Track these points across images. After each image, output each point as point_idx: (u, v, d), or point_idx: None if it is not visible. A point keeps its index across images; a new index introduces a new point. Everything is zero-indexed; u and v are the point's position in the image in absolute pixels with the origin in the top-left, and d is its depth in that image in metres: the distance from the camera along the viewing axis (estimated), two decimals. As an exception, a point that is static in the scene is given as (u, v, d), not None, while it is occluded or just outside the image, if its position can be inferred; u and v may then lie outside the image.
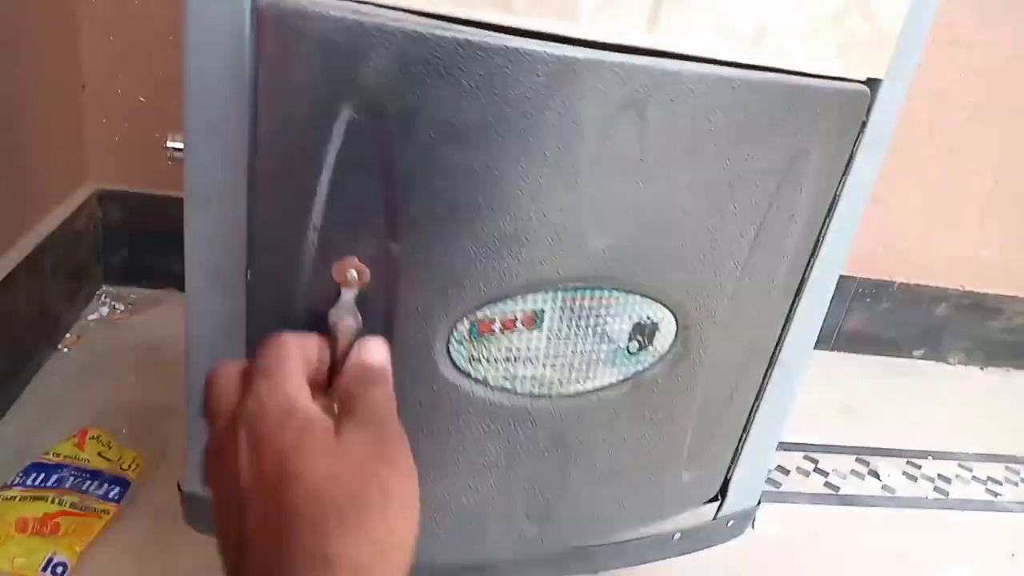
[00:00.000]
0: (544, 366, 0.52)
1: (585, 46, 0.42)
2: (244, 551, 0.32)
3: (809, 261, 0.60)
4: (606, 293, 0.51)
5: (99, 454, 0.78)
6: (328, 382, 0.40)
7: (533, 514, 0.59)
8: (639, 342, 0.55)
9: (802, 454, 1.11)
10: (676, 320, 0.55)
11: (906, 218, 1.34)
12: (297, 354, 0.37)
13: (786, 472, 1.06)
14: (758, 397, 0.66)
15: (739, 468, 0.69)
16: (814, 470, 1.08)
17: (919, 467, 1.14)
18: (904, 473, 1.12)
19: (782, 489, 1.03)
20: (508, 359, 0.51)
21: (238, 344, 0.52)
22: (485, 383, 0.51)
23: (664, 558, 0.72)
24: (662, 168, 0.47)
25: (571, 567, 0.68)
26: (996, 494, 1.11)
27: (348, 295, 0.42)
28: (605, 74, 0.42)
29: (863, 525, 1.00)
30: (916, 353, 1.47)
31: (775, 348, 0.65)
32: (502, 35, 0.40)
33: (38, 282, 0.91)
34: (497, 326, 0.49)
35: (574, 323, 0.52)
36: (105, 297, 1.10)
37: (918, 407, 1.31)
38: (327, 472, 0.32)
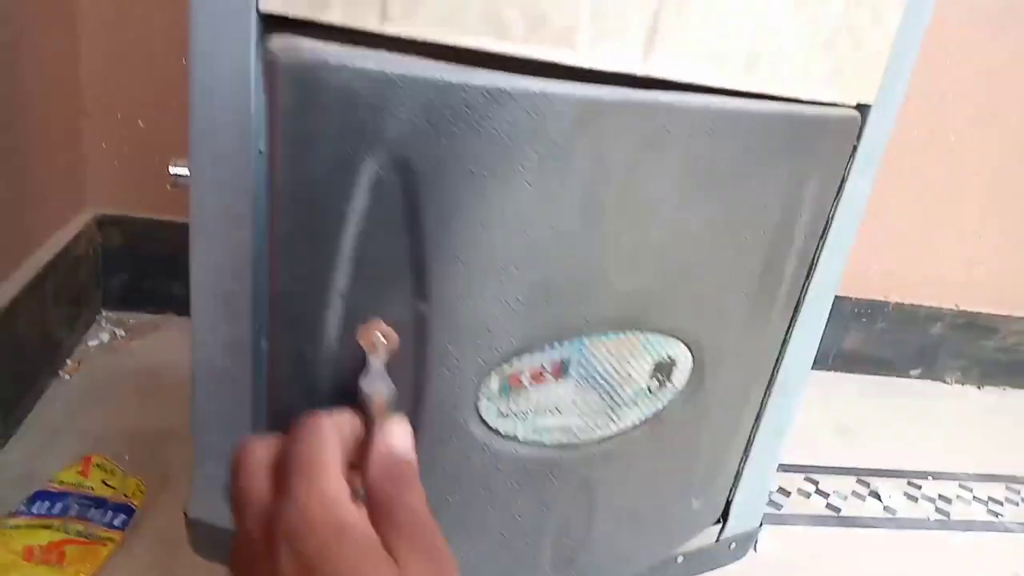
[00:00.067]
0: (572, 415, 0.51)
1: (585, 76, 0.43)
2: None
3: (805, 283, 0.61)
4: (629, 335, 0.50)
5: (103, 481, 0.78)
6: (359, 454, 0.37)
7: (558, 562, 0.58)
8: (659, 380, 0.54)
9: (803, 476, 1.11)
10: (692, 355, 0.54)
11: (899, 239, 1.35)
12: (335, 442, 0.34)
13: (787, 494, 1.06)
14: (757, 419, 0.67)
15: (740, 491, 0.70)
16: (815, 492, 1.08)
17: (919, 488, 1.14)
18: (905, 494, 1.12)
19: (783, 511, 1.03)
20: (537, 411, 0.49)
21: (243, 370, 0.52)
22: (515, 439, 0.49)
23: (667, 581, 0.72)
24: (681, 205, 0.46)
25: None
26: (997, 514, 1.11)
27: (376, 361, 0.40)
28: (629, 113, 0.41)
29: (865, 547, 1.00)
30: (913, 372, 1.47)
31: (773, 370, 0.65)
32: (530, 78, 0.39)
33: (39, 308, 0.91)
34: (526, 379, 0.48)
35: (599, 368, 0.50)
36: (105, 322, 1.11)
37: (916, 427, 1.31)
38: None
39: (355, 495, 0.33)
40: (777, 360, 0.65)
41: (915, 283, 1.40)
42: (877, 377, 1.44)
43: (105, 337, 1.08)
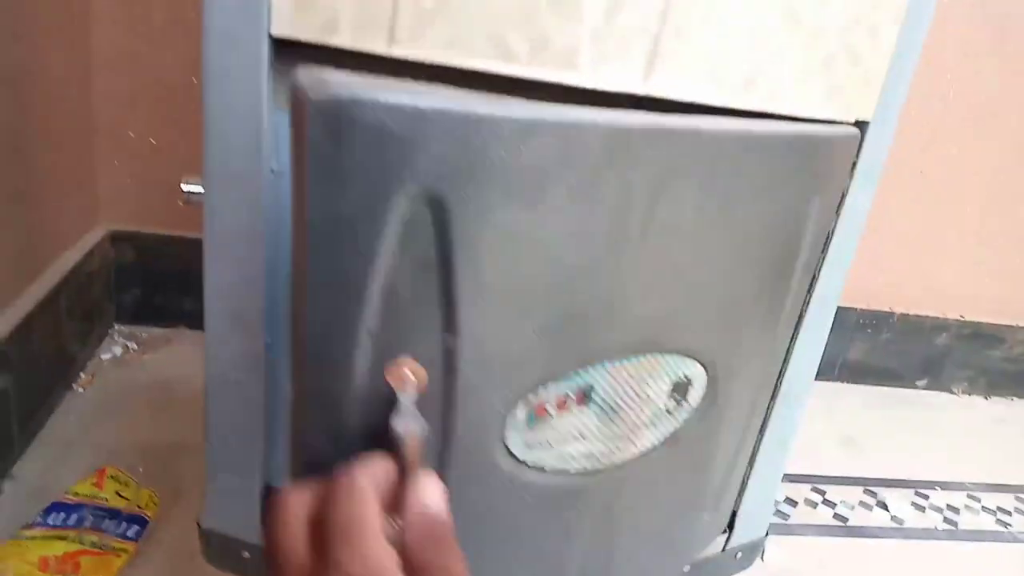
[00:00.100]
0: (595, 440, 0.51)
1: (587, 96, 0.44)
2: None
3: (807, 295, 0.62)
4: (649, 357, 0.50)
5: (117, 493, 0.79)
6: (393, 501, 0.36)
7: (582, 588, 0.58)
8: (676, 400, 0.54)
9: (809, 486, 1.11)
10: (707, 372, 0.55)
11: (903, 250, 1.36)
12: (374, 501, 0.33)
13: (794, 504, 1.06)
14: (762, 430, 0.67)
15: (745, 500, 0.70)
16: (822, 502, 1.08)
17: (927, 498, 1.14)
18: (912, 504, 1.12)
19: (790, 521, 1.03)
20: (562, 439, 0.49)
21: (255, 383, 0.53)
22: (541, 469, 0.49)
23: (674, 591, 0.73)
24: (699, 228, 0.46)
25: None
26: (1006, 524, 1.11)
27: (406, 399, 0.38)
28: (655, 140, 0.41)
29: (872, 557, 1.00)
30: (919, 383, 1.47)
31: (776, 381, 0.66)
32: (561, 106, 0.39)
33: (54, 323, 0.93)
34: (552, 408, 0.47)
35: (621, 392, 0.50)
36: (117, 336, 1.12)
37: (923, 437, 1.31)
38: None
39: (390, 540, 0.32)
40: (780, 371, 0.66)
41: (919, 294, 1.41)
42: (883, 388, 1.45)
43: (118, 351, 1.09)
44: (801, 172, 0.50)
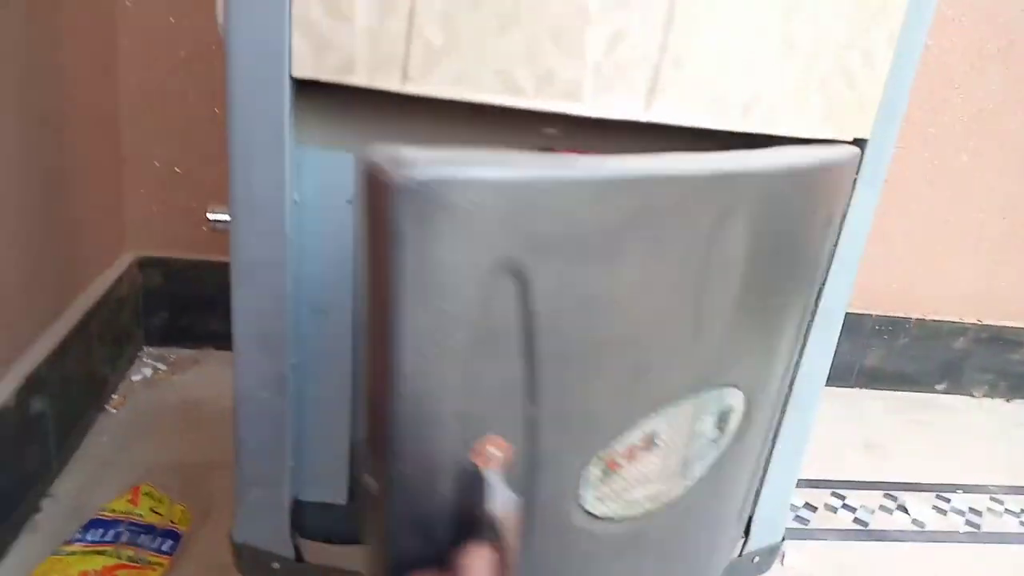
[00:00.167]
0: (657, 482, 0.51)
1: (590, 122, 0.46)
2: None
3: (815, 306, 0.64)
4: (702, 394, 0.50)
5: (151, 509, 0.82)
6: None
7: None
8: (720, 429, 0.55)
9: (829, 491, 1.12)
10: (744, 397, 0.55)
11: (917, 256, 1.37)
12: None
13: (814, 509, 1.07)
14: (774, 438, 0.69)
15: (760, 506, 0.72)
16: (842, 506, 1.09)
17: (949, 501, 1.14)
18: (934, 507, 1.12)
19: (810, 526, 1.04)
20: (630, 487, 0.49)
21: (280, 401, 0.56)
22: (611, 520, 0.49)
23: (691, 597, 0.74)
24: (749, 263, 0.47)
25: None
26: (1031, 527, 1.11)
27: (494, 476, 0.37)
28: (715, 184, 0.42)
29: (894, 560, 1.00)
30: (938, 387, 1.47)
31: (789, 388, 0.67)
32: (636, 159, 0.38)
33: (86, 347, 0.96)
34: (622, 459, 0.47)
35: (679, 432, 0.50)
36: (147, 358, 1.16)
37: (944, 441, 1.31)
38: None
39: None
40: (792, 380, 0.67)
41: (936, 299, 1.41)
42: (902, 393, 1.45)
43: (148, 372, 1.13)
44: (824, 196, 0.51)
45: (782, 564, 0.93)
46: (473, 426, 0.38)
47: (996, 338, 1.45)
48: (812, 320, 0.65)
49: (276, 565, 0.61)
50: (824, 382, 0.71)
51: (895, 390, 1.45)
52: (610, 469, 0.46)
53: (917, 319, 1.41)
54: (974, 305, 1.43)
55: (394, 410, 0.36)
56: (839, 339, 0.70)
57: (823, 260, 0.56)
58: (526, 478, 0.41)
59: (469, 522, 0.36)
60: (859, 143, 0.56)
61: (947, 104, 1.26)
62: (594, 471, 0.45)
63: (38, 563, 0.74)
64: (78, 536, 0.77)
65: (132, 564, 0.74)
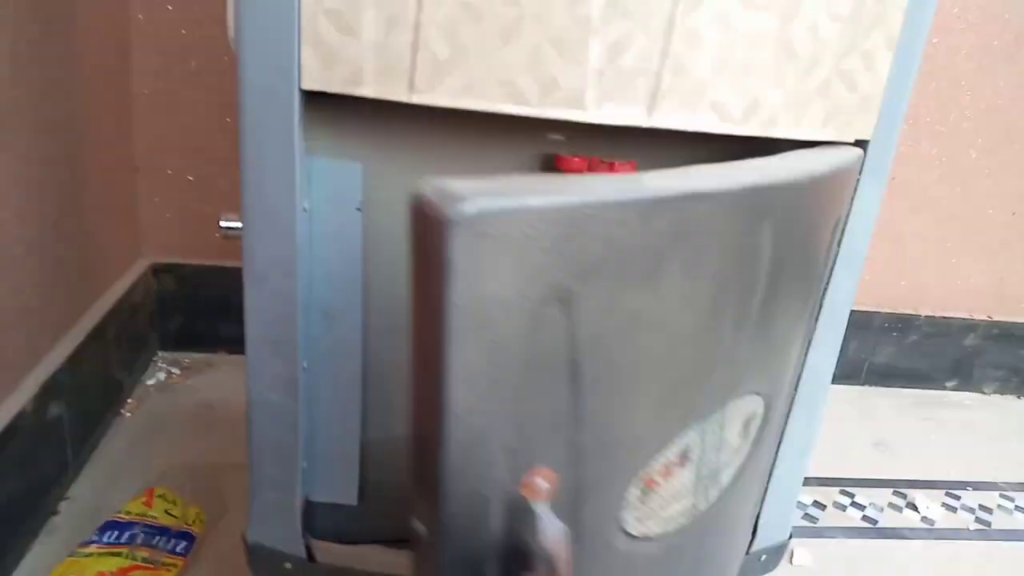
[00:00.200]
0: (690, 496, 0.51)
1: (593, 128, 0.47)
2: None
3: (821, 304, 0.64)
4: (729, 404, 0.50)
5: (166, 511, 0.83)
6: None
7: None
8: (743, 436, 0.55)
9: (838, 489, 1.12)
10: (764, 403, 0.55)
11: (927, 253, 1.37)
12: None
13: (822, 507, 1.08)
14: (782, 435, 0.70)
15: (768, 504, 0.72)
16: (851, 504, 1.09)
17: (959, 498, 1.14)
18: (943, 504, 1.12)
19: (819, 524, 1.04)
20: (666, 504, 0.48)
21: (292, 403, 0.57)
22: (649, 539, 0.48)
23: (699, 595, 0.75)
24: (771, 271, 0.46)
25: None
26: (1041, 524, 1.11)
27: (543, 509, 0.36)
28: (747, 195, 0.42)
29: (902, 557, 1.00)
30: (949, 384, 1.47)
31: (795, 388, 0.68)
32: (681, 178, 0.38)
33: (102, 353, 0.98)
34: (659, 478, 0.47)
35: (710, 444, 0.50)
36: (161, 363, 1.18)
37: (955, 438, 1.31)
38: None
39: None
40: (798, 376, 0.68)
41: (945, 296, 1.41)
42: (912, 390, 1.45)
43: (162, 376, 1.14)
44: (836, 200, 0.52)
45: (791, 563, 0.94)
46: (521, 459, 0.37)
47: (1007, 334, 1.45)
48: (818, 319, 0.66)
49: (288, 565, 0.62)
50: (830, 380, 0.72)
51: (905, 388, 1.45)
52: (648, 488, 0.46)
53: (927, 316, 1.41)
54: (984, 302, 1.43)
55: (445, 453, 0.34)
56: (849, 337, 0.70)
57: (830, 261, 0.57)
58: (572, 505, 0.40)
59: (520, 556, 0.36)
60: (861, 144, 0.56)
61: (955, 102, 1.26)
62: (634, 491, 0.45)
63: (56, 565, 0.75)
64: (94, 538, 0.78)
65: (147, 565, 0.76)
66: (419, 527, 0.38)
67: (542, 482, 0.37)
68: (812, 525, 1.04)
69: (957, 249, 1.38)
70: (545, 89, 0.45)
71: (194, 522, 0.84)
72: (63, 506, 0.86)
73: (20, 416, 0.77)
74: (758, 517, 0.73)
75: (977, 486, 1.18)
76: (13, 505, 0.77)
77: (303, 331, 0.56)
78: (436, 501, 0.36)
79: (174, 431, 1.02)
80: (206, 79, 1.07)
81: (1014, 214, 1.36)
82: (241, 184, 0.52)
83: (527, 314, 0.34)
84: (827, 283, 0.64)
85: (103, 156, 1.00)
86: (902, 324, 1.40)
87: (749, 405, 0.53)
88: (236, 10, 0.46)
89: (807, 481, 1.11)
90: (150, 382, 1.13)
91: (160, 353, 1.19)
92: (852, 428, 1.29)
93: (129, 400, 1.07)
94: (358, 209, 0.57)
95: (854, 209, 0.60)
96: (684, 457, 0.48)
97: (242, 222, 0.54)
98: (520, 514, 0.36)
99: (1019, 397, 1.50)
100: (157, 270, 1.15)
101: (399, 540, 0.67)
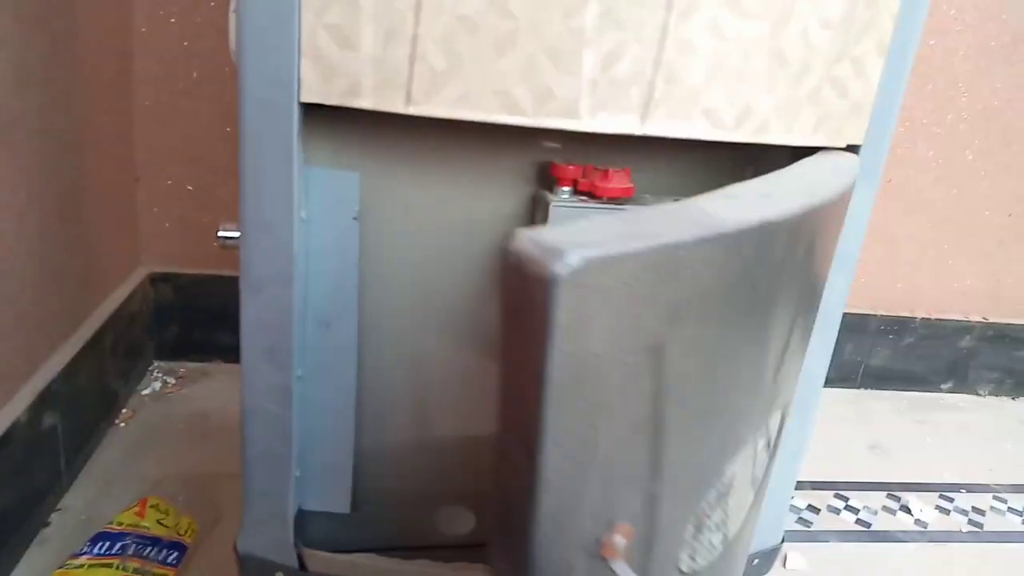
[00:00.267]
0: (731, 522, 0.50)
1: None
2: None
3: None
4: (763, 425, 0.50)
5: (158, 521, 0.83)
6: None
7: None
8: (766, 450, 0.55)
9: (832, 492, 1.13)
10: (781, 415, 0.55)
11: (922, 255, 1.38)
12: None
13: (816, 511, 1.08)
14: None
15: (760, 509, 0.72)
16: (845, 508, 1.10)
17: (952, 500, 1.15)
18: (937, 507, 1.12)
19: (813, 528, 1.04)
20: (712, 534, 0.47)
21: (286, 413, 0.57)
22: (697, 574, 0.47)
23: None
24: (800, 288, 0.46)
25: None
26: (1034, 525, 1.11)
27: (622, 567, 0.35)
28: (800, 219, 0.41)
29: (896, 560, 1.01)
30: (944, 386, 1.48)
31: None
32: (746, 209, 0.37)
33: (98, 362, 0.98)
34: (710, 510, 0.46)
35: (748, 467, 0.50)
36: (157, 372, 1.17)
37: (949, 440, 1.32)
38: None
39: None
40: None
41: (941, 298, 1.42)
42: (908, 393, 1.45)
43: (158, 386, 1.14)
44: (845, 210, 0.52)
45: (784, 567, 0.94)
46: (604, 518, 0.35)
47: (1002, 336, 1.45)
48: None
49: (280, 575, 0.62)
50: (823, 383, 0.72)
51: (901, 390, 1.45)
52: (701, 522, 0.45)
53: (923, 318, 1.41)
54: (980, 304, 1.44)
55: (535, 524, 0.32)
56: (845, 340, 0.71)
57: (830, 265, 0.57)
58: (642, 555, 0.39)
59: None
60: (853, 149, 0.57)
61: (952, 103, 1.27)
62: (690, 529, 0.44)
63: (47, 576, 0.75)
64: (85, 549, 0.78)
65: (139, 576, 0.76)
66: None
67: (621, 539, 0.36)
68: (806, 529, 1.04)
69: (953, 251, 1.38)
70: (540, 99, 0.46)
71: (186, 532, 0.84)
72: (55, 517, 0.86)
73: (15, 426, 0.77)
74: (754, 522, 0.73)
75: (971, 488, 1.18)
76: (4, 516, 0.77)
77: (298, 340, 0.57)
78: (523, 569, 0.34)
79: (169, 441, 1.02)
80: (207, 89, 1.07)
81: (1010, 215, 1.37)
82: (240, 194, 0.52)
83: (621, 368, 0.32)
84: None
85: (104, 166, 1.00)
86: (898, 326, 1.41)
87: (775, 420, 0.53)
88: (238, 24, 0.46)
89: (802, 485, 1.11)
90: (145, 392, 1.12)
91: (156, 362, 1.19)
92: (848, 431, 1.29)
93: (124, 410, 1.06)
94: (355, 218, 0.57)
95: (847, 213, 0.61)
96: (730, 484, 0.47)
97: (240, 231, 0.54)
98: (600, 573, 0.35)
99: (1014, 399, 1.50)
100: (154, 279, 1.15)
101: (392, 549, 0.67)
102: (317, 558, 0.63)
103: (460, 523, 0.74)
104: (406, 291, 0.63)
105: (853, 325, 1.35)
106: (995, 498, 1.16)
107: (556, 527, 0.33)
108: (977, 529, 1.09)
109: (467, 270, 0.63)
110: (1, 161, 0.74)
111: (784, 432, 0.58)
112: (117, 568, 0.76)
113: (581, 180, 0.57)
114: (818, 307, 0.56)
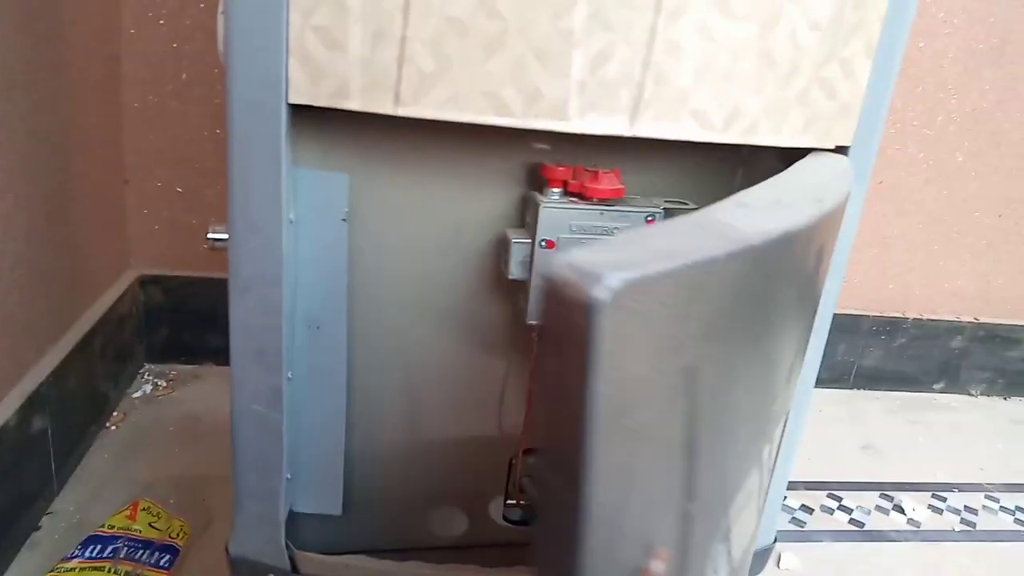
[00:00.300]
0: (745, 533, 0.50)
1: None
2: None
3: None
4: (770, 432, 0.49)
5: (150, 524, 0.83)
6: None
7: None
8: (769, 455, 0.54)
9: (825, 492, 1.13)
10: (784, 419, 0.55)
11: (914, 256, 1.38)
12: None
13: (810, 511, 1.08)
14: (767, 440, 0.70)
15: (754, 509, 0.73)
16: (838, 508, 1.10)
17: (944, 500, 1.15)
18: (929, 506, 1.13)
19: (807, 528, 1.05)
20: (733, 546, 0.47)
21: (276, 415, 0.57)
22: None
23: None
24: (803, 295, 0.46)
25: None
26: (1025, 523, 1.12)
27: None
28: (813, 228, 0.40)
29: (889, 560, 1.01)
30: (936, 387, 1.48)
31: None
32: (767, 219, 0.36)
33: (88, 365, 0.97)
34: (734, 524, 0.46)
35: (756, 475, 0.49)
36: (148, 375, 1.17)
37: (941, 440, 1.32)
38: None
39: None
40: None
41: (932, 298, 1.43)
42: (900, 393, 1.46)
43: (148, 389, 1.14)
44: (841, 215, 0.51)
45: (778, 567, 0.94)
46: (643, 544, 0.35)
47: (993, 336, 1.46)
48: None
49: (271, 576, 0.62)
50: (813, 384, 0.72)
51: (893, 391, 1.46)
52: (723, 536, 0.44)
53: (914, 319, 1.42)
54: (971, 304, 1.45)
55: (580, 559, 0.31)
56: (837, 341, 0.71)
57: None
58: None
59: None
60: (841, 150, 0.57)
61: (942, 105, 1.27)
62: (714, 544, 0.43)
63: (39, 580, 0.75)
64: (76, 552, 0.78)
65: (131, 579, 0.75)
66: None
67: (660, 565, 0.35)
68: (800, 529, 1.04)
69: (943, 252, 1.39)
70: (529, 100, 0.46)
71: (178, 535, 0.83)
72: (46, 520, 0.85)
73: (3, 429, 0.77)
74: (746, 522, 0.73)
75: (963, 488, 1.19)
76: (-4, 520, 0.76)
77: (288, 341, 0.56)
78: None
79: (160, 444, 1.01)
80: (196, 91, 1.07)
81: (1000, 216, 1.38)
82: (228, 196, 0.52)
83: (659, 389, 0.32)
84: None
85: (93, 168, 0.99)
86: (890, 327, 1.41)
87: (780, 426, 0.53)
88: (226, 26, 0.46)
89: (796, 485, 1.12)
90: (136, 395, 1.12)
91: (147, 365, 1.19)
92: (840, 432, 1.29)
93: (115, 413, 1.06)
94: (344, 220, 0.57)
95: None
96: (746, 494, 0.46)
97: (228, 233, 0.54)
98: None
99: (1006, 399, 1.51)
100: (144, 282, 1.15)
101: (383, 550, 0.67)
102: (308, 560, 0.63)
103: (452, 524, 0.74)
104: (396, 293, 0.63)
105: (845, 326, 1.36)
106: (987, 497, 1.17)
107: (602, 560, 0.32)
108: (970, 528, 1.09)
109: (457, 271, 0.63)
110: (-13, 163, 0.74)
111: (784, 436, 0.58)
112: (109, 571, 0.76)
113: (571, 181, 0.57)
114: (817, 311, 0.56)
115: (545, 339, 0.29)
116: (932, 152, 1.30)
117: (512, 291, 0.63)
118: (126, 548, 0.79)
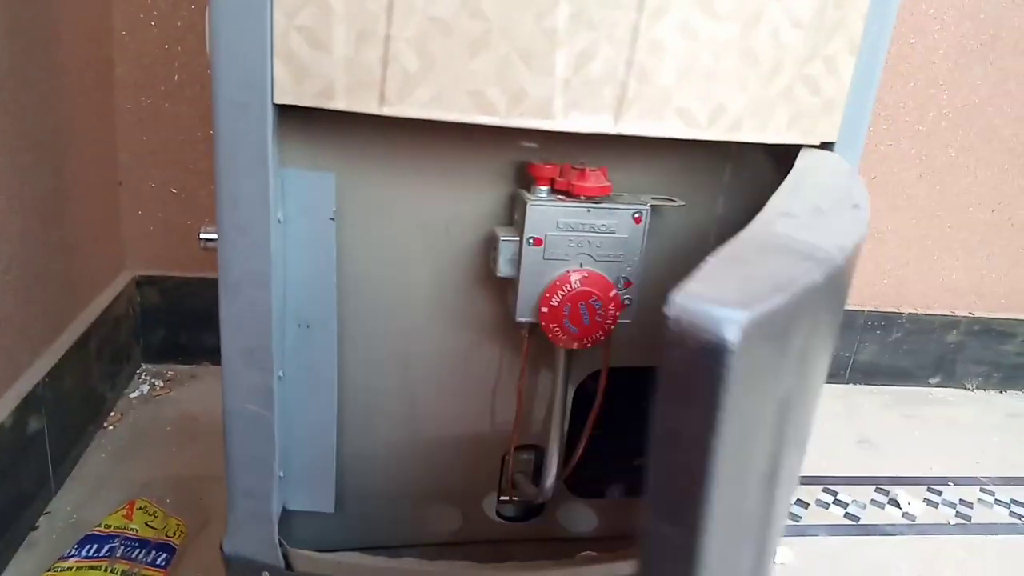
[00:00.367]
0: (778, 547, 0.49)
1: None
2: None
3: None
4: (804, 443, 0.48)
5: (146, 523, 0.83)
6: None
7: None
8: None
9: (821, 487, 1.13)
10: None
11: (908, 251, 1.39)
12: None
13: (805, 506, 1.09)
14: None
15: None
16: (834, 502, 1.10)
17: (940, 494, 1.15)
18: (925, 500, 1.13)
19: (802, 522, 1.05)
20: (772, 562, 0.47)
21: (268, 413, 0.57)
22: None
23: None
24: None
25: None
26: (1021, 516, 1.12)
27: None
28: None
29: (885, 554, 1.01)
30: (932, 381, 1.49)
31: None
32: (831, 235, 0.35)
33: (85, 366, 0.98)
34: (776, 542, 0.45)
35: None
36: (144, 375, 1.17)
37: (937, 434, 1.33)
38: None
39: None
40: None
41: (927, 293, 1.43)
42: (896, 388, 1.46)
43: (145, 389, 1.14)
44: None
45: (773, 561, 0.94)
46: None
47: (988, 330, 1.46)
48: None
49: (266, 574, 0.62)
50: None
51: (889, 385, 1.46)
52: (773, 556, 0.43)
53: (909, 314, 1.42)
54: (965, 298, 1.45)
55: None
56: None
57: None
58: None
59: None
60: (827, 146, 0.57)
61: (933, 101, 1.28)
62: (767, 566, 0.42)
63: (36, 580, 0.75)
64: (73, 552, 0.78)
65: (128, 578, 0.76)
66: None
67: None
68: (795, 523, 1.05)
69: (937, 246, 1.39)
70: (513, 99, 0.46)
71: (175, 534, 0.84)
72: (43, 520, 0.86)
73: (0, 430, 0.77)
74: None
75: (958, 481, 1.19)
76: (-7, 521, 0.77)
77: (278, 341, 0.57)
78: None
79: (157, 443, 1.02)
80: (188, 92, 1.07)
81: (993, 211, 1.38)
82: (216, 197, 0.52)
83: (765, 428, 0.30)
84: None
85: (86, 170, 1.00)
86: (885, 322, 1.42)
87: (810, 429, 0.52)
88: (210, 27, 0.46)
89: (789, 480, 1.12)
90: (133, 395, 1.12)
91: (144, 365, 1.19)
92: (836, 426, 1.30)
93: (112, 413, 1.07)
94: (332, 219, 0.57)
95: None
96: (788, 506, 0.48)
97: (217, 234, 0.54)
98: None
99: (1001, 392, 1.51)
100: (140, 282, 1.15)
101: (377, 547, 0.67)
102: (302, 557, 0.63)
103: (444, 521, 0.75)
104: (385, 291, 0.63)
105: (841, 321, 1.35)
106: (983, 491, 1.17)
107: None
108: (965, 522, 1.10)
109: (446, 269, 0.63)
110: (-20, 166, 0.74)
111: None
112: (105, 571, 0.76)
113: (558, 179, 0.58)
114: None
115: (667, 383, 0.27)
116: (924, 148, 1.31)
117: (501, 289, 0.64)
118: (123, 547, 0.80)
